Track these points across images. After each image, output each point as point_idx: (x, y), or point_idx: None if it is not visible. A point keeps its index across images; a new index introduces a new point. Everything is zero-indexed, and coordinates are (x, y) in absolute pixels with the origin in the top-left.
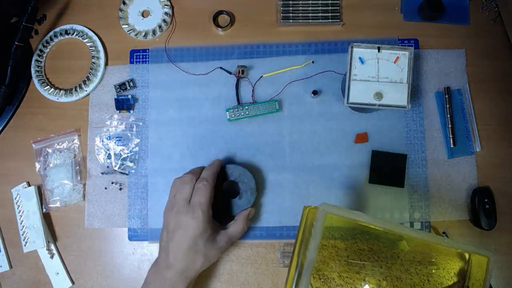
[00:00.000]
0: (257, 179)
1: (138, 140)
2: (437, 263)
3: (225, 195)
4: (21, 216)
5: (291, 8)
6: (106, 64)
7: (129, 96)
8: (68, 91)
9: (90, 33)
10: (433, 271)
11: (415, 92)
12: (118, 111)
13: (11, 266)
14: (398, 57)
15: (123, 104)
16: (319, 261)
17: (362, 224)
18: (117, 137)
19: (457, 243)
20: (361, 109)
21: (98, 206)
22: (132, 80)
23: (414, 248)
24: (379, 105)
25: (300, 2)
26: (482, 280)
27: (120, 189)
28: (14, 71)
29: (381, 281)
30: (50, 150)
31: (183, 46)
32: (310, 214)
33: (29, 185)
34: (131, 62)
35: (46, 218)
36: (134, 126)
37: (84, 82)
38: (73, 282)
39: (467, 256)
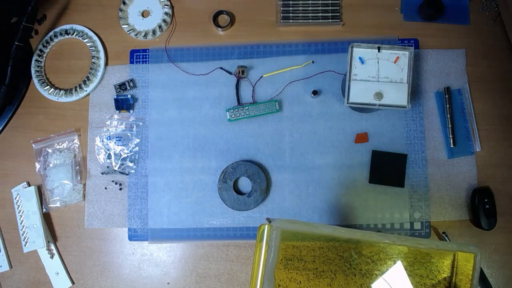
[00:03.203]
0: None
1: (138, 140)
2: (418, 263)
3: (235, 190)
4: (21, 216)
5: (291, 8)
6: (106, 64)
7: (129, 96)
8: (68, 91)
9: (90, 33)
10: (415, 271)
11: (415, 92)
12: (118, 111)
13: (11, 266)
14: (398, 57)
15: (123, 104)
16: (285, 279)
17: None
18: (117, 137)
19: (437, 243)
20: (361, 109)
21: (98, 206)
22: (132, 80)
23: (391, 251)
24: (379, 105)
25: (300, 2)
26: (470, 275)
27: (120, 189)
28: (14, 71)
29: None
30: (50, 150)
31: (183, 46)
32: (266, 232)
33: (29, 185)
34: (131, 62)
35: (46, 218)
36: (134, 126)
37: (84, 82)
38: (73, 282)
39: (452, 253)
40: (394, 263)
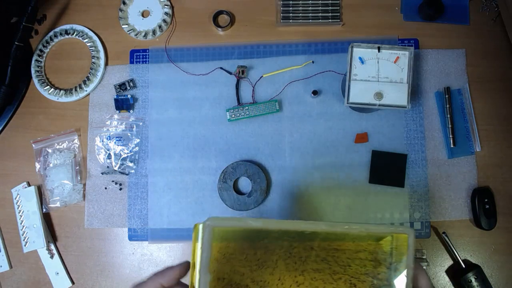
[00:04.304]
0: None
1: (138, 140)
2: (356, 247)
3: (235, 190)
4: (21, 216)
5: (291, 8)
6: (106, 64)
7: (129, 96)
8: (68, 91)
9: (90, 33)
10: (354, 254)
11: (415, 92)
12: (118, 111)
13: (11, 266)
14: (398, 57)
15: (123, 104)
16: (229, 271)
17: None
18: (117, 137)
19: (368, 227)
20: (361, 109)
21: (98, 206)
22: (132, 80)
23: (328, 237)
24: (379, 105)
25: (300, 2)
26: (405, 255)
27: (120, 189)
28: (14, 71)
29: (297, 276)
30: (50, 150)
31: (183, 46)
32: (201, 230)
33: (29, 185)
34: (131, 62)
35: (46, 218)
36: (134, 126)
37: (84, 82)
38: (73, 282)
39: (390, 236)
40: (333, 248)
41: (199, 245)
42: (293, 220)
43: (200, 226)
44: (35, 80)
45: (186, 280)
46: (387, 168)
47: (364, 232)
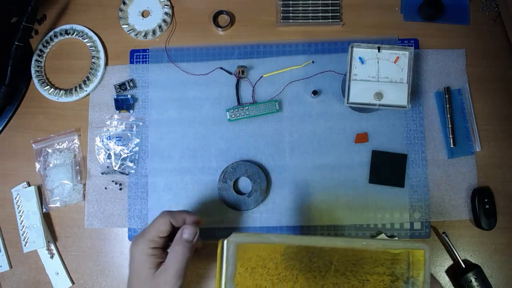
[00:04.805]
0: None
1: (138, 140)
2: (374, 262)
3: (235, 190)
4: (21, 216)
5: (291, 8)
6: (106, 64)
7: (129, 96)
8: (68, 91)
9: (90, 33)
10: (372, 269)
11: (415, 92)
12: (118, 111)
13: (11, 266)
14: (398, 57)
15: (123, 104)
16: (251, 285)
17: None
18: (117, 137)
19: (384, 243)
20: (361, 109)
21: (98, 206)
22: (132, 80)
23: (346, 252)
24: (379, 105)
25: (300, 2)
26: (423, 270)
27: (120, 189)
28: (14, 71)
29: None
30: (50, 150)
31: (183, 46)
32: (225, 247)
33: (29, 185)
34: (131, 62)
35: (46, 218)
36: (134, 126)
37: (84, 82)
38: (73, 282)
39: (407, 252)
40: (352, 263)
41: (224, 260)
42: (312, 236)
43: (225, 242)
44: (35, 80)
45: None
46: (387, 168)
47: (382, 248)
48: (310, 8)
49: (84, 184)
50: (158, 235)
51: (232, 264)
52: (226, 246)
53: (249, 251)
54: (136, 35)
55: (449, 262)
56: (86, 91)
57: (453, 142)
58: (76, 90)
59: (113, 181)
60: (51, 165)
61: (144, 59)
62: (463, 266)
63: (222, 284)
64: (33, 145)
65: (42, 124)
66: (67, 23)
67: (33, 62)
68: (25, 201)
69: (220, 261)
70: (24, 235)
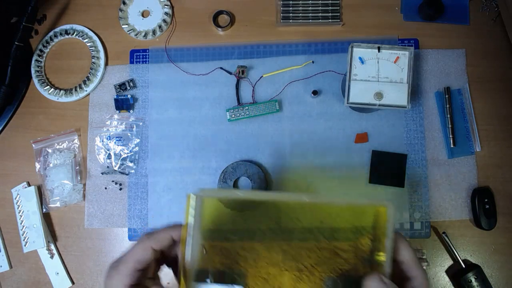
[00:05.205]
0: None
1: (138, 140)
2: (341, 220)
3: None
4: (21, 216)
5: (291, 8)
6: (106, 64)
7: (129, 96)
8: (68, 91)
9: (90, 33)
10: (338, 227)
11: (415, 92)
12: (118, 111)
13: (11, 266)
14: (398, 57)
15: (123, 104)
16: (221, 240)
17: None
18: (117, 137)
19: (349, 199)
20: (361, 109)
21: (98, 206)
22: (132, 80)
23: (313, 210)
24: (379, 105)
25: (300, 2)
26: (386, 228)
27: (120, 189)
28: (14, 71)
29: (284, 245)
30: (50, 150)
31: (183, 46)
32: (191, 200)
33: (29, 185)
34: (131, 62)
35: (46, 218)
36: (134, 126)
37: (84, 82)
38: (73, 282)
39: (372, 209)
40: (319, 220)
41: (191, 212)
42: (277, 192)
43: (192, 196)
44: (35, 80)
45: None
46: (387, 168)
47: (345, 204)
48: (310, 8)
49: (84, 184)
50: (135, 268)
51: (198, 217)
52: (194, 199)
53: (220, 208)
54: (136, 35)
55: (449, 262)
56: (86, 91)
57: (453, 142)
58: (76, 90)
59: (113, 181)
60: (51, 165)
61: (144, 59)
62: (463, 266)
63: (189, 237)
64: (33, 145)
65: (42, 124)
66: (67, 23)
67: (33, 62)
68: (25, 201)
69: (187, 214)
70: (24, 235)
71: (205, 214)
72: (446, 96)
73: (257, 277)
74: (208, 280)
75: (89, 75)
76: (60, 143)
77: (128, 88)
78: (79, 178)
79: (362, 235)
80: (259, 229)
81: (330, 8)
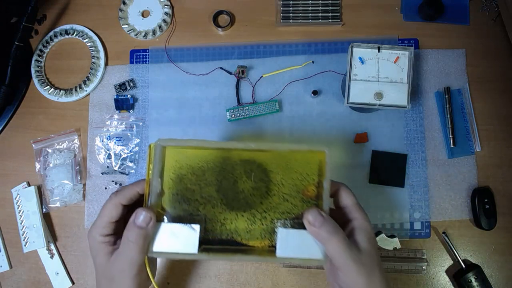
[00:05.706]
0: None
1: (138, 140)
2: (289, 170)
3: None
4: (21, 216)
5: (291, 8)
6: (106, 64)
7: (129, 96)
8: (68, 91)
9: (90, 33)
10: (286, 175)
11: (415, 92)
12: (118, 111)
13: (11, 266)
14: (398, 57)
15: (123, 104)
16: (182, 189)
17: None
18: (117, 137)
19: (290, 146)
20: (361, 109)
21: (98, 206)
22: (132, 80)
23: (265, 161)
24: (379, 105)
25: (300, 2)
26: (325, 171)
27: None
28: (14, 71)
29: (239, 193)
30: (50, 150)
31: (183, 46)
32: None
33: (29, 185)
34: (131, 62)
35: (46, 218)
36: (134, 126)
37: (84, 82)
38: (73, 282)
39: (315, 156)
40: (268, 170)
41: (153, 159)
42: (227, 141)
43: (153, 145)
44: (35, 80)
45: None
46: (387, 168)
47: (287, 150)
48: (310, 8)
49: (84, 184)
50: (108, 221)
51: (159, 163)
52: (154, 148)
53: (181, 160)
54: (136, 35)
55: (449, 262)
56: (86, 91)
57: (453, 142)
58: (76, 90)
59: (113, 181)
60: (51, 165)
61: (144, 59)
62: (463, 266)
63: (152, 179)
64: (33, 145)
65: (42, 124)
66: (67, 23)
67: (33, 62)
68: (25, 201)
69: (149, 162)
70: (24, 235)
71: (166, 162)
72: (446, 96)
73: (214, 221)
74: (166, 220)
75: (89, 75)
76: (60, 143)
77: (128, 88)
78: (79, 178)
79: (308, 182)
80: (217, 179)
81: (330, 8)
